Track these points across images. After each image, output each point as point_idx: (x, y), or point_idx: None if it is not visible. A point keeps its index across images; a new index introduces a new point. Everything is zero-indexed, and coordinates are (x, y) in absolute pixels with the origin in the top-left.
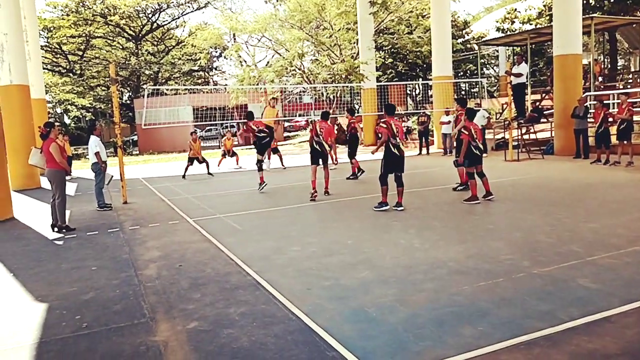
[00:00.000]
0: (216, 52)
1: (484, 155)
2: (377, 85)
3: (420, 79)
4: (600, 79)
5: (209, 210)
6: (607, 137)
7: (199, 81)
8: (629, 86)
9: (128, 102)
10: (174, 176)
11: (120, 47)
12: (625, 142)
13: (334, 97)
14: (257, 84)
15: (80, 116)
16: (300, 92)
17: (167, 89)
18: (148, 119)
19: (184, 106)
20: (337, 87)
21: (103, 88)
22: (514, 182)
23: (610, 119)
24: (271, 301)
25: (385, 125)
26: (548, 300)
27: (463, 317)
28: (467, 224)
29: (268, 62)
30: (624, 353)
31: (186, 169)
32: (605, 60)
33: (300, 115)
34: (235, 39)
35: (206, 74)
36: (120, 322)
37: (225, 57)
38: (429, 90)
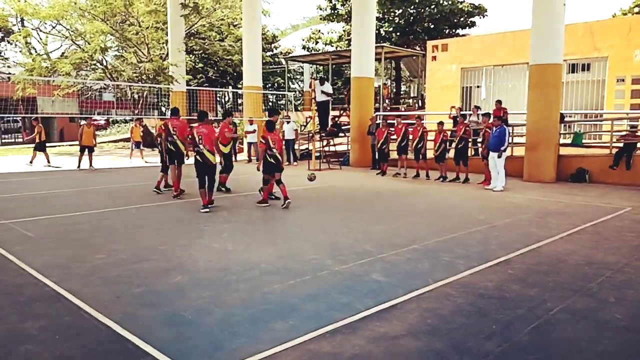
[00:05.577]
0: None
1: (295, 164)
2: (187, 89)
3: (231, 87)
4: (387, 101)
5: None
6: (387, 153)
7: None
8: (410, 108)
9: None
10: None
11: None
12: (402, 156)
13: (139, 97)
14: (50, 76)
15: None
16: (100, 88)
17: None
18: None
19: None
20: (144, 87)
21: None
22: (316, 189)
23: (394, 136)
24: (76, 312)
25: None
26: (347, 293)
27: (275, 314)
28: (277, 227)
29: (63, 53)
30: (408, 333)
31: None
32: (392, 85)
33: (99, 114)
34: (23, 23)
35: None
36: None
37: (10, 42)
38: (239, 99)
